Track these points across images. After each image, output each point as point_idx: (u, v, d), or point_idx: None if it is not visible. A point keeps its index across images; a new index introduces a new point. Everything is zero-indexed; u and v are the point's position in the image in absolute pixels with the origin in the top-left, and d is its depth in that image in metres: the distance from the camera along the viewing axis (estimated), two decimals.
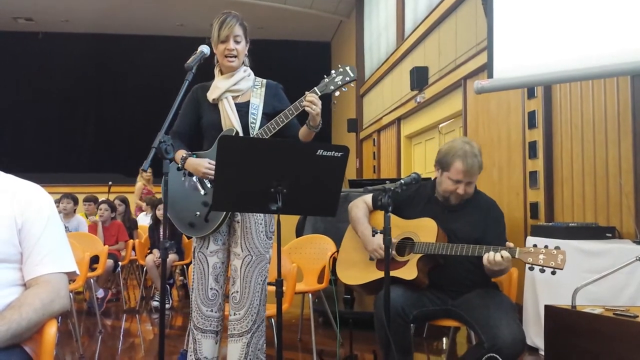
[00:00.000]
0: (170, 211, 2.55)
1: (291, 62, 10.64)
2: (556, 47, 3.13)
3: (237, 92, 2.50)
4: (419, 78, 6.37)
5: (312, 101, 2.33)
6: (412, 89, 6.62)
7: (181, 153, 2.47)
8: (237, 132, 2.43)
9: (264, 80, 2.59)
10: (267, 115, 2.50)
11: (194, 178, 2.45)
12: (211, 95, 2.49)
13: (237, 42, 2.45)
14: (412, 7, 7.05)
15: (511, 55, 3.38)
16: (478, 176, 2.53)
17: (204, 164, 2.40)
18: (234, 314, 2.47)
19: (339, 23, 10.93)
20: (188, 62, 2.31)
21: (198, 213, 2.44)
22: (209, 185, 2.44)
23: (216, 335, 2.52)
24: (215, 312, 2.51)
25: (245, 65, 2.55)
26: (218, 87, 2.49)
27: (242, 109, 2.48)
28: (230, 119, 2.45)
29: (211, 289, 2.50)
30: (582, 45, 3.03)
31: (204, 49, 2.34)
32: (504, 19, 3.43)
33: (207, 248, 2.50)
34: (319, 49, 11.70)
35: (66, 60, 11.02)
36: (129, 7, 9.97)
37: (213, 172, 2.38)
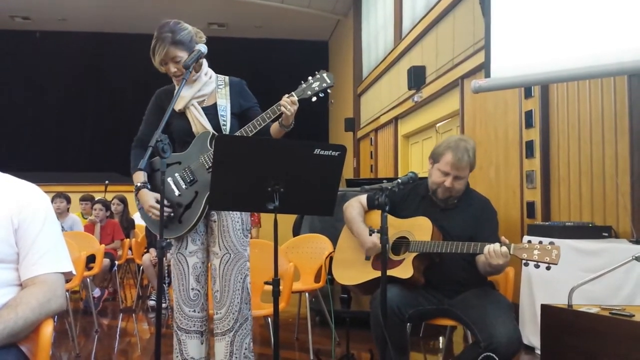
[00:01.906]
0: (144, 212, 2.54)
1: (289, 61, 10.62)
2: (553, 47, 3.13)
3: (202, 97, 2.47)
4: (417, 77, 6.37)
5: (294, 102, 2.31)
6: (409, 88, 6.62)
7: (140, 177, 2.45)
8: (213, 134, 2.42)
9: (227, 78, 2.55)
10: (236, 115, 2.49)
11: (169, 179, 2.42)
12: (177, 105, 2.43)
13: (177, 62, 2.35)
14: (410, 6, 7.05)
15: (508, 55, 3.38)
16: (468, 174, 2.53)
17: (150, 202, 2.38)
18: (217, 313, 2.48)
19: (337, 22, 10.92)
20: (185, 60, 2.31)
21: (172, 214, 2.42)
22: (184, 186, 2.42)
23: (201, 335, 2.51)
24: (198, 312, 2.50)
25: (201, 70, 2.47)
26: (183, 96, 2.43)
27: (210, 112, 2.46)
28: (202, 124, 2.43)
29: (192, 289, 2.49)
30: (579, 44, 3.03)
31: (202, 47, 2.34)
32: (502, 18, 3.43)
33: (185, 248, 2.49)
34: (317, 48, 11.69)
35: (63, 59, 10.99)
36: (126, 6, 9.95)
37: (156, 212, 2.34)
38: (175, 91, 2.26)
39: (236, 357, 2.45)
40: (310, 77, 2.39)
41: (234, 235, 2.46)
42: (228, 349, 2.45)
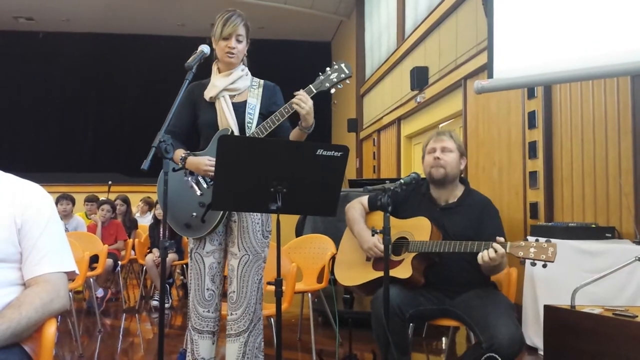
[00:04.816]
0: (172, 219, 2.54)
1: (291, 62, 10.63)
2: (556, 47, 3.13)
3: (235, 91, 2.49)
4: (419, 78, 6.37)
5: (300, 99, 2.31)
6: (412, 89, 6.62)
7: (180, 152, 2.45)
8: (232, 132, 2.42)
9: (262, 81, 2.58)
10: (264, 116, 2.49)
11: (190, 179, 2.43)
12: (209, 93, 2.48)
13: (239, 42, 2.44)
14: (413, 7, 7.05)
15: (511, 56, 3.38)
16: (456, 149, 2.59)
17: (204, 162, 2.39)
18: (231, 314, 2.47)
19: (340, 23, 10.93)
20: (188, 61, 2.31)
21: (195, 214, 2.42)
22: (205, 185, 2.43)
23: (213, 335, 2.51)
24: (212, 313, 2.50)
25: (243, 65, 2.54)
26: (215, 85, 2.47)
27: (239, 109, 2.47)
28: (227, 118, 2.43)
29: (207, 289, 2.50)
30: (582, 45, 3.03)
31: (204, 48, 2.34)
32: (505, 19, 3.43)
33: (203, 249, 2.49)
34: (320, 49, 11.69)
35: (67, 60, 11.02)
36: (129, 7, 9.98)
37: (212, 170, 2.37)
38: (182, 88, 2.24)
39: (248, 358, 2.45)
40: (327, 69, 2.40)
41: (253, 237, 2.46)
42: (241, 349, 2.44)
